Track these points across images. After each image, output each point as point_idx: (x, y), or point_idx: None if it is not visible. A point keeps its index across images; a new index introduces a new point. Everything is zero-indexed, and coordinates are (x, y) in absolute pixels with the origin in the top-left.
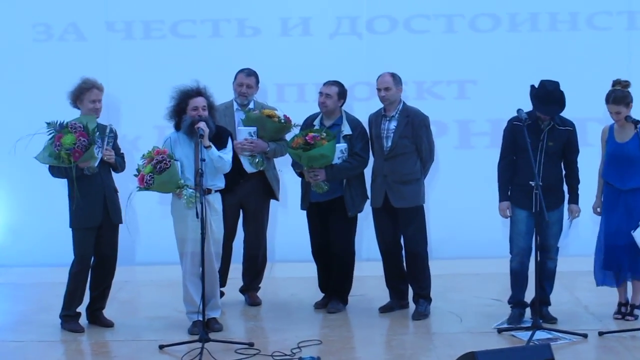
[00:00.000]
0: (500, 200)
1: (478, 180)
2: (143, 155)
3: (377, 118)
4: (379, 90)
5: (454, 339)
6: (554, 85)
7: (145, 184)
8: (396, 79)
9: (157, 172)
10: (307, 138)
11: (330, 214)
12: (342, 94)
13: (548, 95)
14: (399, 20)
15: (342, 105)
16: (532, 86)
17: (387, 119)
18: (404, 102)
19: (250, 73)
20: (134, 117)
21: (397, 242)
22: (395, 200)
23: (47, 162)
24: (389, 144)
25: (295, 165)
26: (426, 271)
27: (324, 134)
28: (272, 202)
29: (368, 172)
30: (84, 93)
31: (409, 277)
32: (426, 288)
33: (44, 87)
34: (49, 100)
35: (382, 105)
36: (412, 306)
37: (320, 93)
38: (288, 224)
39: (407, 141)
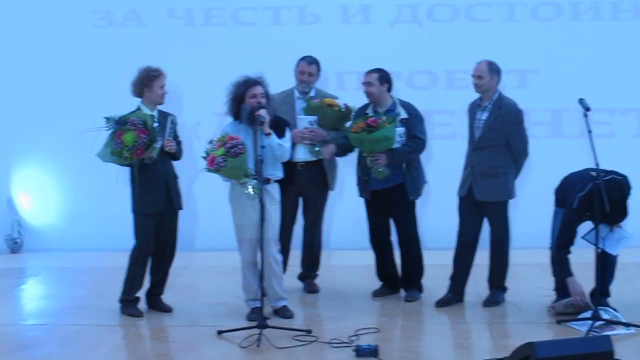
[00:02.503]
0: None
1: (538, 169)
2: (211, 141)
3: (473, 107)
4: (473, 77)
5: (512, 329)
6: (620, 193)
7: (216, 166)
8: (493, 67)
9: (232, 156)
10: (368, 122)
11: (391, 201)
12: (384, 78)
13: (613, 206)
14: (460, 8)
15: (388, 91)
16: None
17: (481, 108)
18: (500, 93)
19: (312, 61)
20: (194, 104)
21: (476, 234)
22: (479, 193)
23: (109, 160)
24: (478, 134)
25: (360, 166)
26: (504, 261)
27: (384, 117)
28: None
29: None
30: (153, 80)
31: (490, 265)
32: (502, 278)
33: (104, 74)
34: (109, 88)
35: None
36: (470, 296)
37: (364, 83)
38: (344, 210)
39: (496, 133)
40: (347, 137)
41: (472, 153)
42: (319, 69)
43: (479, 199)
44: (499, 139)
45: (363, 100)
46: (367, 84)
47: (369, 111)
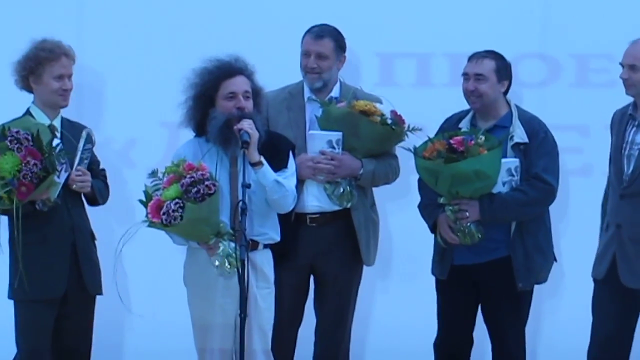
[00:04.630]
0: None
1: None
2: (155, 172)
3: (621, 120)
4: (622, 67)
5: None
6: None
7: (165, 217)
8: None
9: (192, 200)
10: (451, 142)
11: (485, 288)
12: (503, 70)
13: None
14: None
15: (506, 93)
16: None
17: (635, 123)
18: None
19: (323, 33)
20: (127, 108)
21: (623, 341)
22: (628, 275)
23: None
24: (630, 168)
25: (425, 209)
26: None
27: (482, 138)
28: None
29: (555, 216)
30: (44, 64)
31: None
32: None
33: None
34: None
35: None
36: None
37: (466, 75)
38: (391, 304)
39: None
40: (416, 166)
41: (619, 202)
42: (339, 46)
43: (628, 285)
44: None
45: (426, 105)
46: (475, 77)
47: (464, 125)
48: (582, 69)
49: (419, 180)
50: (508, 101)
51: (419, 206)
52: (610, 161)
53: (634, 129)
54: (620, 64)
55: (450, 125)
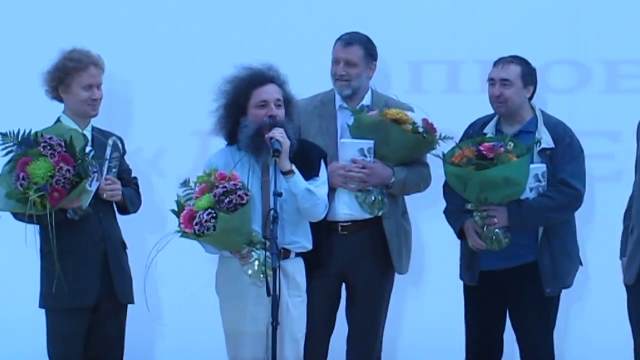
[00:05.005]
0: None
1: None
2: (187, 182)
3: None
4: None
5: None
6: None
7: (198, 227)
8: None
9: (225, 210)
10: (481, 148)
11: (512, 293)
12: (528, 77)
13: None
14: None
15: (531, 98)
16: None
17: None
18: None
19: (352, 41)
20: (156, 117)
21: None
22: None
23: (5, 207)
24: None
25: (451, 215)
26: None
27: (511, 144)
28: (397, 275)
29: (581, 220)
30: (72, 74)
31: None
32: None
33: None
34: (10, 83)
35: None
36: None
37: (491, 80)
38: (424, 313)
39: None
40: (445, 172)
41: None
42: (369, 54)
43: None
44: None
45: (457, 112)
46: (500, 82)
47: (489, 130)
48: (612, 74)
49: (444, 186)
50: (533, 106)
51: (445, 212)
52: (636, 168)
53: None
54: None
55: (475, 131)
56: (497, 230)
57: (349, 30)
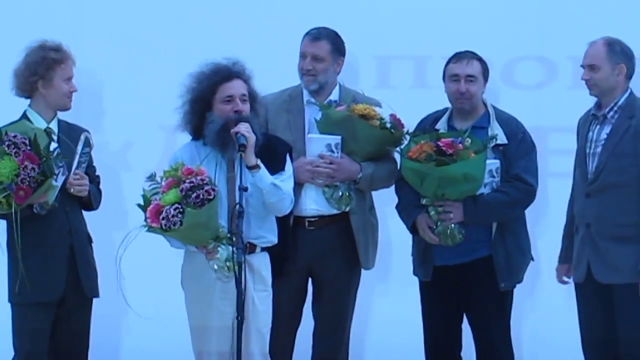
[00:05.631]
0: None
1: None
2: (151, 176)
3: (585, 122)
4: (583, 68)
5: None
6: None
7: (164, 222)
8: (614, 50)
9: (192, 205)
10: (440, 144)
11: (468, 289)
12: (487, 73)
13: None
14: None
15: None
16: None
17: (598, 121)
18: (630, 91)
19: (320, 35)
20: (123, 111)
21: (613, 339)
22: (602, 271)
23: None
24: (594, 165)
25: (404, 209)
26: None
27: (469, 140)
28: (364, 271)
29: (534, 216)
30: (55, 67)
31: None
32: None
33: None
34: None
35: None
36: None
37: (456, 76)
38: (391, 308)
39: (627, 162)
40: (402, 167)
41: (585, 201)
42: (337, 49)
43: (603, 282)
44: (631, 170)
45: (424, 106)
46: (467, 78)
47: (441, 126)
48: (579, 71)
49: (398, 181)
50: (484, 101)
51: (397, 207)
52: (575, 167)
53: (598, 126)
54: (581, 65)
55: (428, 124)
56: (452, 225)
57: (317, 26)
